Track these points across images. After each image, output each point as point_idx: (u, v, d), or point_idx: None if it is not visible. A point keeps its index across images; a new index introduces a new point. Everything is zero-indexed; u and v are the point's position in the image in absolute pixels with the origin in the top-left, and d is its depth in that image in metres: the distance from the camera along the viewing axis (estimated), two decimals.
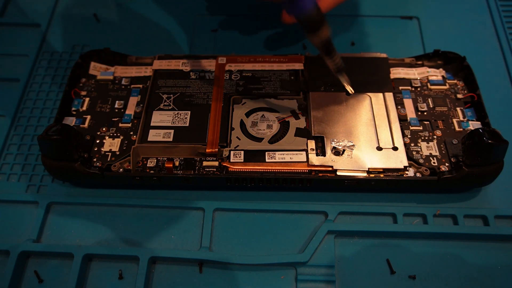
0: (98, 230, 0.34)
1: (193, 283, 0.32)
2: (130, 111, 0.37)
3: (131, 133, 0.36)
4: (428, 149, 0.34)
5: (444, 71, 0.39)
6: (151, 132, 0.35)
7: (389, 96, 0.37)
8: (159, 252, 0.32)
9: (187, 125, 0.35)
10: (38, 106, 0.41)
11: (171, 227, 0.34)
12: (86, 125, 0.36)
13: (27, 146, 0.38)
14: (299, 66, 0.39)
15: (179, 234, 0.34)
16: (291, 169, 0.33)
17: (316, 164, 0.33)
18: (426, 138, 0.35)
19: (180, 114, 0.36)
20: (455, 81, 0.38)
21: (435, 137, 0.35)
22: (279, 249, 0.33)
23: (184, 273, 0.32)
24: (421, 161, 0.33)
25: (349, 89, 0.33)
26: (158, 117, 0.36)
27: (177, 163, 0.34)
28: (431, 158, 0.34)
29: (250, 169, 0.33)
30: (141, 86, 0.39)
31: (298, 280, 0.31)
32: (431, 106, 0.37)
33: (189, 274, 0.32)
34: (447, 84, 0.38)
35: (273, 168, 0.33)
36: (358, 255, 0.32)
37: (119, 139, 0.35)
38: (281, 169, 0.33)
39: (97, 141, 0.35)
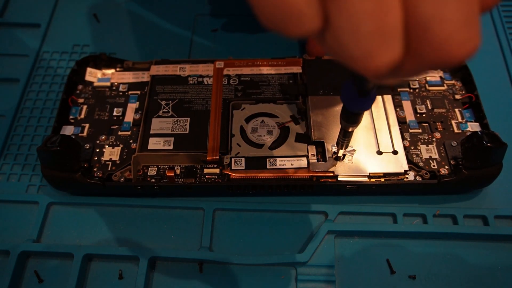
0: (98, 230, 0.34)
1: (193, 283, 0.32)
2: (129, 118, 0.37)
3: (131, 141, 0.36)
4: (428, 152, 0.34)
5: (442, 72, 0.39)
6: (151, 140, 0.35)
7: (388, 98, 0.37)
8: (159, 252, 0.32)
9: (187, 132, 0.35)
10: (38, 106, 0.41)
11: (171, 227, 0.34)
12: (85, 133, 0.36)
13: (27, 146, 0.38)
14: (297, 69, 0.39)
15: (179, 234, 0.34)
16: (292, 176, 0.33)
17: (317, 170, 0.33)
18: (426, 140, 0.35)
19: (179, 121, 0.36)
20: (453, 82, 0.38)
21: (434, 139, 0.35)
22: (279, 249, 0.33)
23: (184, 273, 0.32)
24: (421, 164, 0.34)
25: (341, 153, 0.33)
26: (158, 125, 0.36)
27: (178, 171, 0.34)
28: (430, 161, 0.34)
29: (251, 176, 0.33)
30: (139, 92, 0.39)
31: (298, 280, 0.31)
32: (430, 108, 0.37)
33: (189, 274, 0.32)
34: (445, 85, 0.38)
35: (274, 175, 0.33)
36: (358, 255, 0.33)
37: (119, 148, 0.35)
38: (282, 176, 0.33)
39: (97, 150, 0.35)
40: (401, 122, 0.36)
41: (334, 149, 0.33)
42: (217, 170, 0.34)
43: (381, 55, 0.14)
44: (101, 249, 0.33)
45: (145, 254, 0.32)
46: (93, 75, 0.40)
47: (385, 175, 0.33)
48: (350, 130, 0.29)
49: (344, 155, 0.33)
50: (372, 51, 0.14)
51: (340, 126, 0.30)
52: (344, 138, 0.31)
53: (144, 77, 0.39)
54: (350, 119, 0.27)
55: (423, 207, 0.34)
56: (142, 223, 0.34)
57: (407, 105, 0.37)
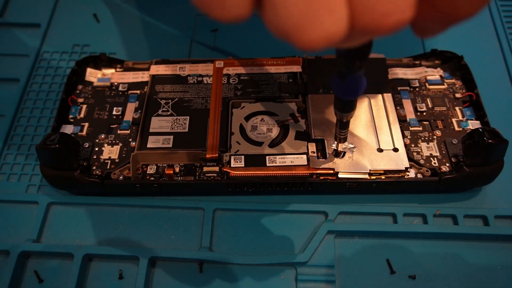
0: (98, 230, 0.34)
1: (193, 283, 0.32)
2: (128, 117, 0.37)
3: (130, 139, 0.36)
4: (429, 149, 0.34)
5: (442, 71, 0.39)
6: (150, 138, 0.35)
7: (388, 97, 0.37)
8: (159, 252, 0.32)
9: (186, 130, 0.35)
10: (38, 106, 0.41)
11: (171, 227, 0.34)
12: (84, 132, 0.36)
13: (27, 146, 0.38)
14: (297, 68, 0.39)
15: (179, 234, 0.34)
16: (292, 173, 0.33)
17: (317, 167, 0.33)
18: (426, 138, 0.35)
19: (179, 119, 0.36)
20: (453, 81, 0.38)
21: (435, 137, 0.35)
22: (279, 249, 0.33)
23: (184, 273, 0.32)
24: (421, 161, 0.34)
25: (340, 148, 0.33)
26: (157, 123, 0.36)
27: (177, 169, 0.34)
28: (431, 158, 0.34)
29: (251, 174, 0.33)
30: (138, 92, 0.39)
31: (298, 280, 0.31)
32: (430, 106, 0.37)
33: (189, 274, 0.32)
34: (445, 83, 0.38)
35: (274, 172, 0.33)
36: (358, 255, 0.33)
37: (118, 146, 0.35)
38: (282, 173, 0.33)
39: (96, 149, 0.35)
40: (402, 120, 0.36)
41: (334, 146, 0.33)
42: (216, 168, 0.33)
43: (314, 28, 0.14)
44: (101, 249, 0.33)
45: (145, 254, 0.32)
46: (93, 76, 0.40)
47: (386, 172, 0.33)
48: (345, 120, 0.29)
49: (344, 153, 0.33)
50: (304, 24, 0.14)
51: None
52: (341, 130, 0.31)
53: (144, 77, 0.39)
54: (344, 108, 0.28)
55: (423, 207, 0.34)
56: (142, 223, 0.34)
57: (407, 103, 0.37)
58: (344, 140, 0.32)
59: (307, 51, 0.15)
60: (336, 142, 0.32)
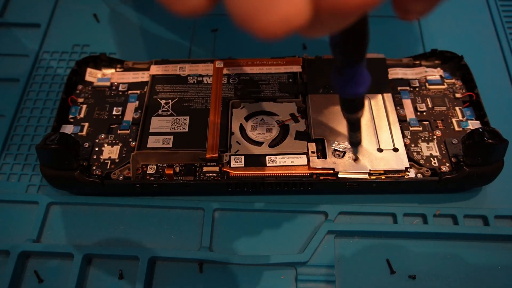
0: (98, 230, 0.34)
1: (193, 283, 0.32)
2: (128, 117, 0.37)
3: (130, 139, 0.36)
4: (429, 149, 0.34)
5: (442, 71, 0.39)
6: (150, 138, 0.35)
7: (388, 97, 0.37)
8: (159, 252, 0.32)
9: (186, 130, 0.35)
10: (38, 106, 0.41)
11: (171, 227, 0.34)
12: (84, 132, 0.36)
13: (27, 146, 0.38)
14: (297, 68, 0.39)
15: (179, 234, 0.34)
16: (292, 173, 0.33)
17: (317, 167, 0.33)
18: (426, 138, 0.35)
19: (179, 119, 0.36)
20: (453, 81, 0.38)
21: (435, 137, 0.35)
22: (279, 249, 0.33)
23: (184, 273, 0.32)
24: (421, 161, 0.34)
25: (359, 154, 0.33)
26: (157, 123, 0.36)
27: (177, 169, 0.34)
28: (431, 158, 0.34)
29: (251, 174, 0.33)
30: (138, 92, 0.39)
31: (298, 280, 0.31)
32: (430, 106, 0.37)
33: (189, 274, 0.32)
34: (445, 83, 0.38)
35: (274, 172, 0.33)
36: (358, 255, 0.32)
37: (118, 146, 0.35)
38: (282, 173, 0.33)
39: (96, 149, 0.35)
40: (402, 120, 0.36)
41: (334, 146, 0.33)
42: (216, 168, 0.33)
43: (271, 10, 0.13)
44: (101, 249, 0.33)
45: (145, 254, 0.32)
46: (93, 76, 0.40)
47: (386, 172, 0.33)
48: (352, 122, 0.29)
49: (344, 153, 0.33)
50: (259, 7, 0.13)
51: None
52: (352, 132, 0.30)
53: (144, 77, 0.39)
54: (347, 107, 0.26)
55: (423, 207, 0.34)
56: (142, 223, 0.34)
57: (407, 103, 0.37)
58: (357, 144, 0.31)
59: (269, 39, 0.14)
60: (339, 144, 0.32)
